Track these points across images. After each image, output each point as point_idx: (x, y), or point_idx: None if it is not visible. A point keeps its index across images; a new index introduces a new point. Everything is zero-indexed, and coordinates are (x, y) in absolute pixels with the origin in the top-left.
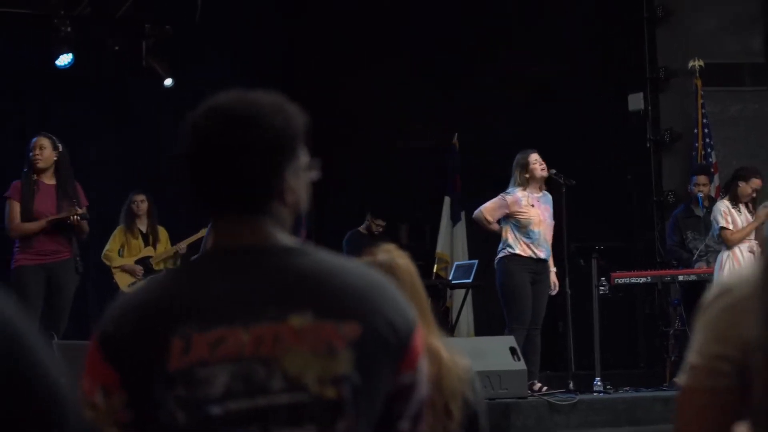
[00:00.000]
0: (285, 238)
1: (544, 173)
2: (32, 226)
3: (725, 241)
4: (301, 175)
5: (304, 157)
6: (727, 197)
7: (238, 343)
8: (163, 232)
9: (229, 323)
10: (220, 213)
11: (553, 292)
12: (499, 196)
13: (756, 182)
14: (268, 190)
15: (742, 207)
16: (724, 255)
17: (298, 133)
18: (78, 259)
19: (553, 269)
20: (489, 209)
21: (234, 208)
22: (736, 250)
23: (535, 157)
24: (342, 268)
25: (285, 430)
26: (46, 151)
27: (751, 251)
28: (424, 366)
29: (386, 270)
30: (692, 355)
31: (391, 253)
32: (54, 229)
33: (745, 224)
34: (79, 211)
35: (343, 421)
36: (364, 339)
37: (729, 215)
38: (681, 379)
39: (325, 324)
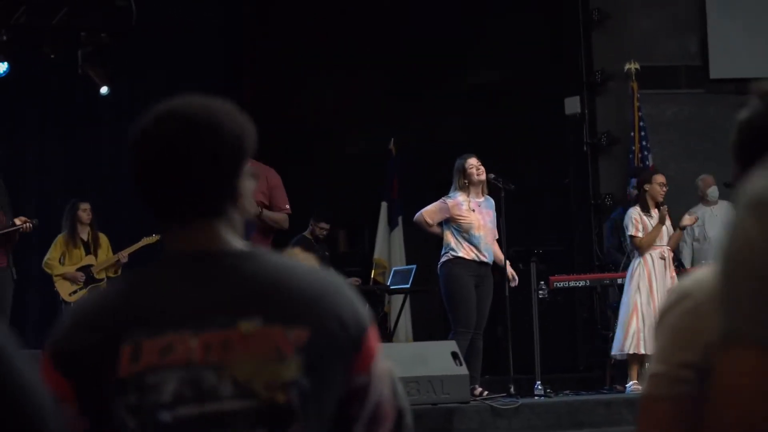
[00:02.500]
0: (238, 242)
1: (482, 177)
2: None
3: (636, 248)
4: (248, 181)
5: (248, 163)
6: (637, 205)
7: (187, 349)
8: (104, 239)
9: (178, 329)
10: (175, 218)
11: (513, 284)
12: (441, 200)
13: (659, 178)
14: (225, 194)
15: (654, 212)
16: (635, 262)
17: (251, 139)
18: (13, 269)
19: (507, 263)
20: (429, 212)
21: (192, 212)
22: (647, 256)
23: (472, 162)
24: (293, 271)
25: None
26: None
27: (662, 257)
28: (378, 368)
29: None
30: (654, 364)
31: (298, 256)
32: None
33: (653, 228)
34: (32, 221)
35: (294, 426)
36: (313, 343)
37: (640, 222)
38: (642, 387)
39: (273, 329)
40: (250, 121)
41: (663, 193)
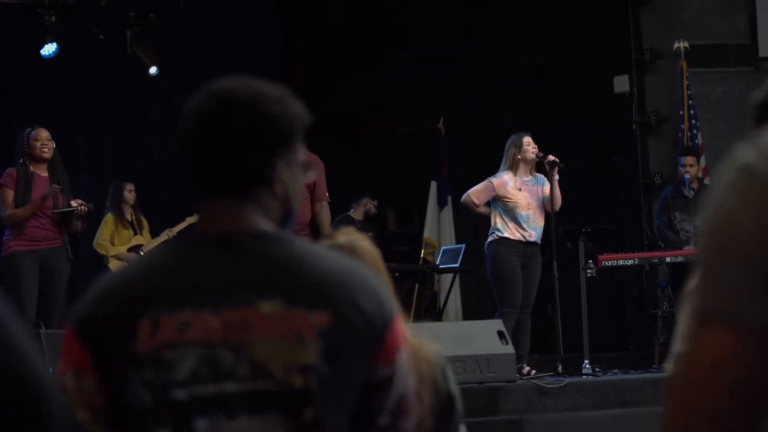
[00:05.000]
0: (266, 225)
1: (534, 156)
2: (25, 211)
3: None
4: (295, 170)
5: (301, 153)
6: None
7: (206, 327)
8: (144, 221)
9: (198, 307)
10: (208, 196)
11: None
12: (486, 180)
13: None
14: (257, 177)
15: None
16: None
17: (296, 126)
18: (68, 247)
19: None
20: (476, 192)
21: (222, 191)
22: None
23: (527, 140)
24: (318, 256)
25: (250, 417)
26: (51, 143)
27: None
28: (404, 360)
29: (348, 252)
30: (679, 342)
31: (352, 235)
32: (46, 218)
33: None
34: (89, 204)
35: (310, 410)
36: (334, 328)
37: None
38: (668, 366)
39: (294, 312)
40: (301, 108)
41: None
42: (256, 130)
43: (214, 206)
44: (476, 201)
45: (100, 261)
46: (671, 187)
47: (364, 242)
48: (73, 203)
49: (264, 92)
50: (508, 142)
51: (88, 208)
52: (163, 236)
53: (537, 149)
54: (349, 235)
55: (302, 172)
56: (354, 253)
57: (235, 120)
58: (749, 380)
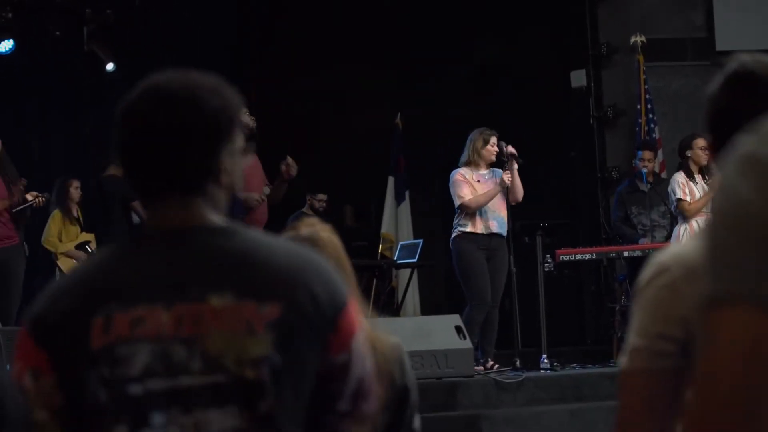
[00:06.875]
0: (217, 219)
1: (494, 159)
2: None
3: (683, 213)
4: (236, 158)
5: (239, 140)
6: (681, 171)
7: (158, 322)
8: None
9: (150, 302)
10: (155, 194)
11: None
12: (454, 182)
13: (699, 142)
14: (204, 171)
15: (698, 178)
16: (681, 227)
17: (235, 115)
18: (24, 243)
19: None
20: (464, 192)
21: (170, 188)
22: (693, 222)
23: (494, 141)
24: (269, 247)
25: (205, 411)
26: None
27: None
28: (360, 344)
29: (310, 244)
30: (633, 337)
31: (314, 226)
32: (1, 217)
33: (702, 195)
34: (44, 195)
35: (265, 402)
36: (285, 319)
37: (686, 186)
38: (622, 361)
39: (245, 304)
40: (236, 95)
41: (705, 156)
42: (200, 124)
43: (163, 203)
44: (472, 201)
45: (48, 257)
46: (626, 182)
47: (325, 233)
48: (29, 197)
49: (201, 84)
50: (473, 135)
51: (44, 198)
52: None
53: (497, 151)
54: (311, 227)
55: (241, 159)
56: (316, 244)
57: (178, 116)
58: None
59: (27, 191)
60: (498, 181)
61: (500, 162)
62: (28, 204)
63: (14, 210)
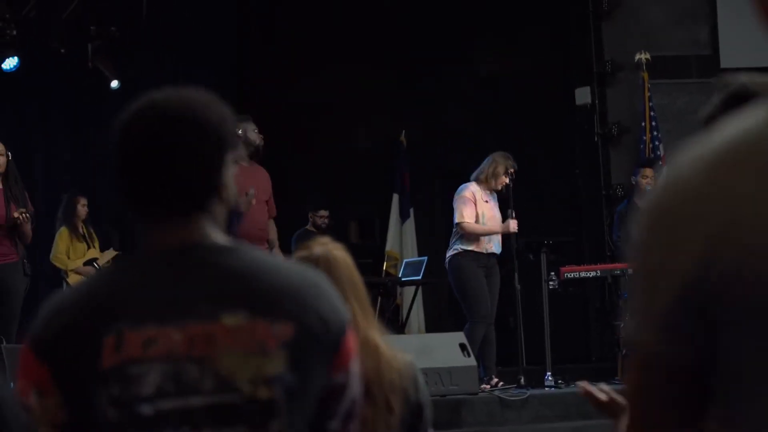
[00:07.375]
0: (219, 237)
1: (500, 187)
2: None
3: None
4: (231, 171)
5: (235, 154)
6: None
7: (170, 342)
8: (94, 235)
9: (161, 322)
10: (157, 212)
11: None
12: (461, 197)
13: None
14: (209, 188)
15: None
16: None
17: (231, 129)
18: (25, 261)
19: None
20: (468, 216)
21: (173, 207)
22: None
23: (512, 172)
24: (276, 267)
25: (216, 430)
26: (3, 157)
27: None
28: (356, 367)
29: (323, 263)
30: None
31: (327, 245)
32: None
33: None
34: (28, 210)
35: (276, 421)
36: (297, 338)
37: None
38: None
39: (258, 323)
40: (228, 109)
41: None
42: (203, 141)
43: (169, 222)
44: (469, 227)
45: (58, 274)
46: (625, 201)
47: (339, 252)
48: (15, 214)
49: (198, 101)
50: (498, 157)
51: (26, 214)
52: (111, 252)
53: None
54: (324, 246)
55: (233, 170)
56: (329, 263)
57: (179, 135)
58: None
59: (32, 205)
60: (504, 226)
61: (499, 192)
62: (15, 222)
63: (9, 226)
